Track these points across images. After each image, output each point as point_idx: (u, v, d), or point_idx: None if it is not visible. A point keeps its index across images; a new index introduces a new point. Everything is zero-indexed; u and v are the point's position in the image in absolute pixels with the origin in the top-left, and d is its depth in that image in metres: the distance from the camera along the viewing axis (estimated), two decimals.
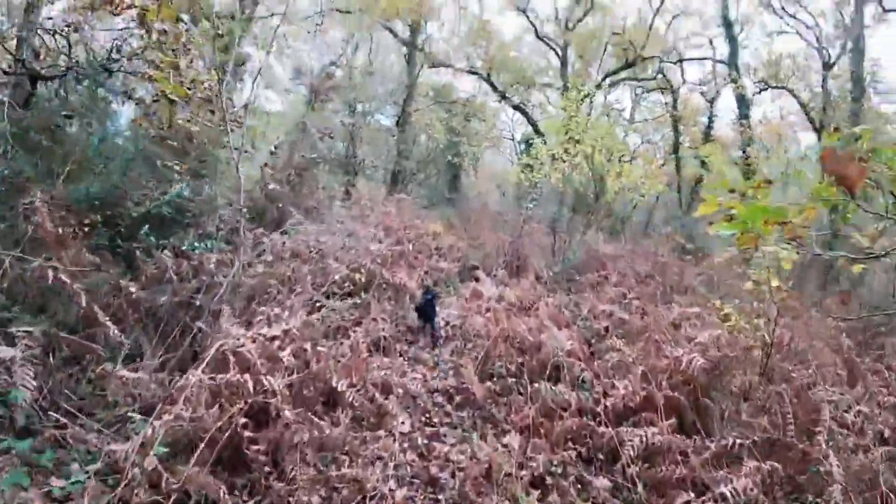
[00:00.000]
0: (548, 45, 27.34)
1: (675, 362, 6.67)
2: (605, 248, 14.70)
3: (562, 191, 15.01)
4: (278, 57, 22.67)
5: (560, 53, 27.20)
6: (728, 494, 4.71)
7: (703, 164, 26.56)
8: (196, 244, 7.17)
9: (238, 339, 4.67)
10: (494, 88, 25.50)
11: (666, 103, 29.04)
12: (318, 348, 5.45)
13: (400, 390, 6.47)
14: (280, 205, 10.15)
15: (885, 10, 21.32)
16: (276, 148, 9.50)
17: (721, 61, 24.62)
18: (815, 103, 23.70)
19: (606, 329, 9.63)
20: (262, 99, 20.68)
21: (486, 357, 7.57)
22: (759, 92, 25.07)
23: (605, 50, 25.99)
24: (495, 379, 7.14)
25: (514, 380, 6.98)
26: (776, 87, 24.53)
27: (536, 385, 6.59)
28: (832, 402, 6.34)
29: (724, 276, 14.43)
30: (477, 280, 11.86)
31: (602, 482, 5.35)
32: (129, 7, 6.51)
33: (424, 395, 6.64)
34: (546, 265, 13.89)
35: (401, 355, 7.85)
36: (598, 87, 22.50)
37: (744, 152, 21.97)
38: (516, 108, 26.86)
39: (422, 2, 21.45)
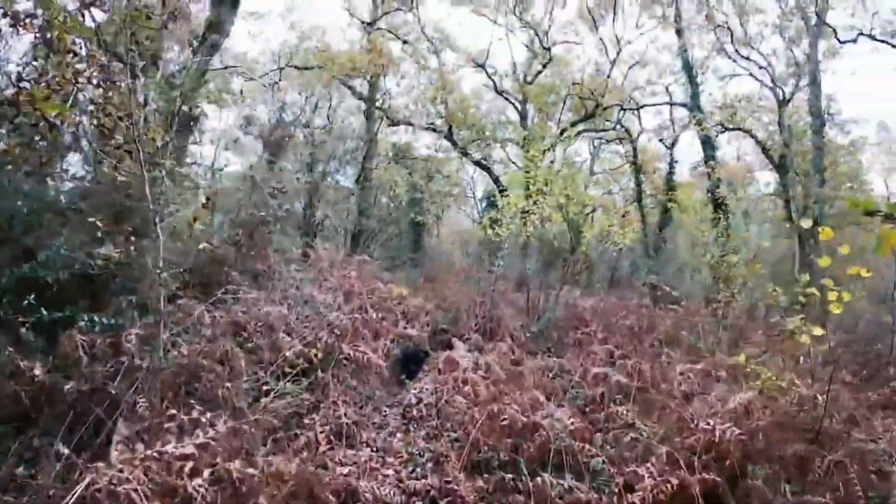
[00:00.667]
0: (507, 99, 26.87)
1: (705, 436, 5.44)
2: (583, 302, 13.55)
3: (530, 246, 13.91)
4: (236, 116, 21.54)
5: (519, 108, 26.79)
6: None
7: (665, 210, 26.12)
8: (96, 319, 5.79)
9: (121, 471, 3.24)
10: (455, 145, 24.63)
11: (626, 153, 28.77)
12: (249, 469, 3.97)
13: (368, 496, 5.06)
14: (227, 269, 8.80)
15: (841, 42, 21.18)
16: (207, 199, 8.15)
17: (683, 105, 24.22)
18: (772, 142, 23.92)
19: (602, 396, 8.39)
20: (222, 159, 19.41)
21: (472, 444, 6.22)
22: (717, 135, 24.84)
23: (564, 103, 25.47)
24: (485, 473, 5.77)
25: (509, 474, 5.62)
26: (734, 129, 24.55)
27: (539, 479, 5.28)
28: None
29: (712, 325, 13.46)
30: (450, 347, 10.57)
31: None
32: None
33: (399, 501, 5.23)
34: (522, 325, 12.68)
35: (368, 445, 6.48)
36: (561, 138, 21.72)
37: (712, 193, 21.29)
38: (477, 164, 26.08)
39: (380, 57, 20.55)
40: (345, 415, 6.55)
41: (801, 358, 8.57)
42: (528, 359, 10.59)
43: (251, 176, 10.63)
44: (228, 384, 5.52)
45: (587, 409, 8.27)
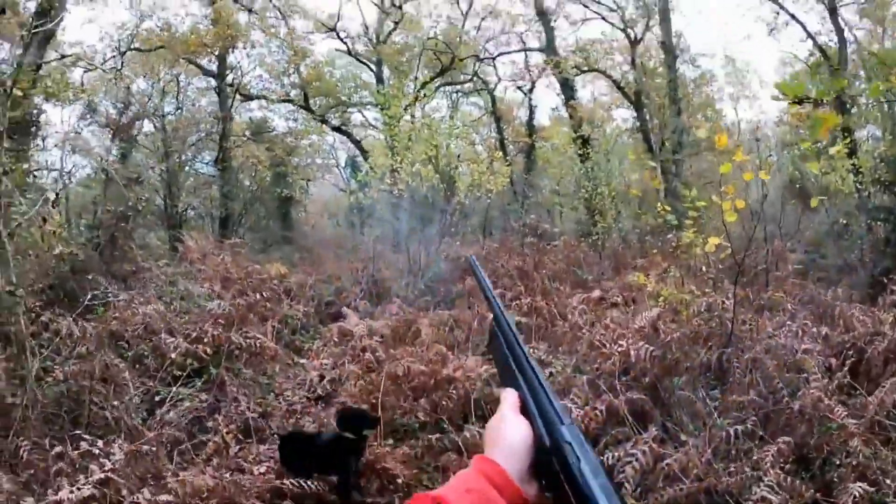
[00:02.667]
0: (361, 62, 26.21)
1: (620, 358, 5.53)
2: (464, 252, 13.54)
3: (402, 204, 13.74)
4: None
5: (374, 70, 26.19)
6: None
7: (528, 155, 26.71)
8: None
9: None
10: (312, 113, 23.84)
11: (485, 104, 29.03)
12: (162, 497, 3.58)
13: (296, 491, 4.78)
14: (89, 276, 8.06)
15: None
16: (56, 196, 7.40)
17: (540, 50, 24.64)
18: (625, 81, 24.61)
19: None
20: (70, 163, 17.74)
21: (383, 410, 6.05)
22: (573, 77, 25.35)
23: (419, 60, 25.10)
24: (408, 439, 5.63)
25: (433, 434, 5.50)
26: (589, 71, 25.00)
27: (466, 432, 5.21)
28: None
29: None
30: (339, 318, 10.30)
31: None
32: None
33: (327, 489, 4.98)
34: (407, 284, 12.52)
35: (279, 435, 6.17)
36: (421, 93, 21.52)
37: (576, 132, 21.84)
38: (337, 130, 25.53)
39: (227, 29, 19.33)
40: (248, 409, 6.20)
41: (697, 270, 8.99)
42: (421, 316, 10.50)
43: (103, 170, 9.74)
44: (116, 403, 5.02)
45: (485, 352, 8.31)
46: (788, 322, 6.58)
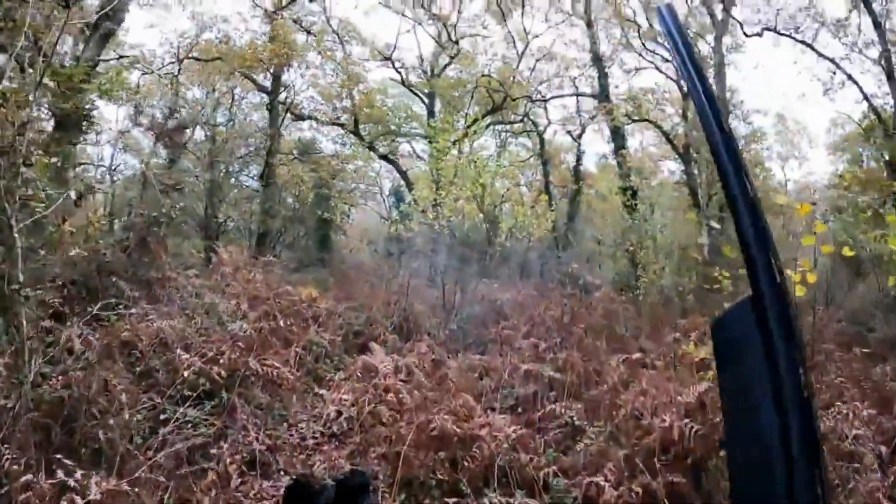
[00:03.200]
0: (414, 93, 26.09)
1: (662, 434, 4.96)
2: (500, 295, 13.01)
3: (442, 239, 13.30)
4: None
5: (426, 102, 26.03)
6: None
7: (573, 201, 26.19)
8: None
9: None
10: (361, 139, 23.68)
11: (534, 145, 28.68)
12: None
13: None
14: (113, 278, 7.74)
15: (747, 35, 21.70)
16: (79, 197, 7.11)
17: (592, 96, 24.19)
18: (675, 132, 24.31)
19: (535, 395, 7.88)
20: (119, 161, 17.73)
21: (403, 462, 5.53)
22: (612, 132, 25.10)
23: (472, 96, 24.92)
24: (422, 497, 5.10)
25: (450, 498, 4.97)
26: (640, 120, 24.47)
27: (486, 500, 4.68)
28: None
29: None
30: (365, 350, 9.83)
31: None
32: None
33: None
34: (440, 323, 12.04)
35: (286, 472, 5.69)
36: (470, 129, 21.23)
37: (624, 181, 21.33)
38: (384, 158, 25.30)
39: (283, 47, 19.33)
40: (257, 439, 5.74)
41: None
42: (450, 358, 10.00)
43: (142, 173, 9.49)
44: (112, 421, 4.58)
45: (520, 410, 7.76)
46: (838, 403, 5.96)
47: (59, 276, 7.32)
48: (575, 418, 6.87)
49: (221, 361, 6.10)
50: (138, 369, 5.93)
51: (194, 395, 5.80)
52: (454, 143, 18.78)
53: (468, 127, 21.89)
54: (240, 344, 6.54)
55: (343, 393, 8.05)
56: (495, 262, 13.20)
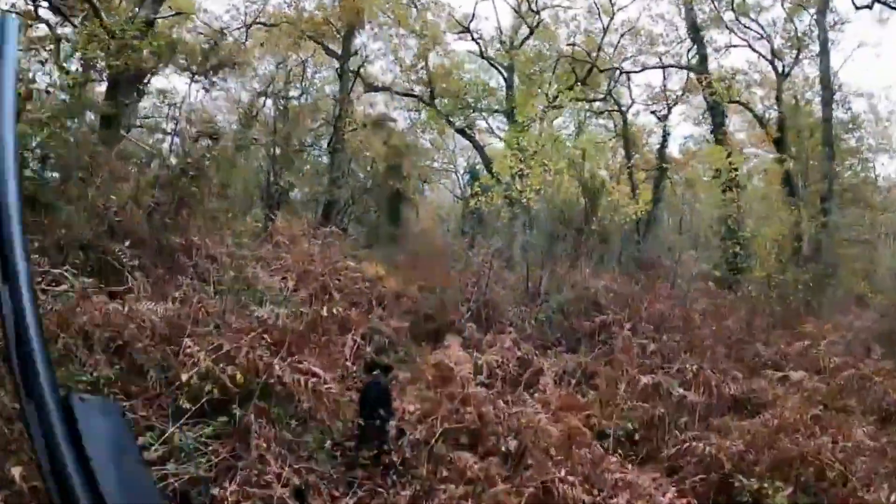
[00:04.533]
0: (493, 65, 23.77)
1: None
2: (594, 282, 10.65)
3: (528, 215, 11.05)
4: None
5: (505, 75, 23.65)
6: None
7: (656, 186, 23.44)
8: None
9: None
10: (437, 111, 21.59)
11: (616, 126, 25.97)
12: None
13: None
14: (126, 242, 5.86)
15: (857, 8, 18.53)
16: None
17: (689, 68, 21.34)
18: (768, 116, 21.83)
19: (661, 420, 5.70)
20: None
21: None
22: (711, 108, 22.14)
23: (554, 69, 22.41)
24: None
25: None
26: (732, 102, 21.35)
27: None
28: None
29: None
30: (437, 340, 7.79)
31: None
32: None
33: None
34: (523, 312, 9.83)
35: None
36: (554, 103, 18.78)
37: (721, 164, 18.49)
38: (461, 132, 23.14)
39: (353, 4, 17.32)
40: (278, 478, 3.73)
41: None
42: (539, 356, 7.86)
43: (173, 116, 7.63)
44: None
45: (637, 438, 5.60)
46: None
47: (63, 237, 5.54)
48: (726, 462, 4.66)
49: (238, 361, 4.10)
50: (119, 367, 4.00)
51: (194, 407, 3.83)
52: (538, 117, 16.51)
53: (553, 100, 19.42)
54: (266, 337, 4.50)
55: (408, 402, 6.01)
56: (593, 244, 10.83)
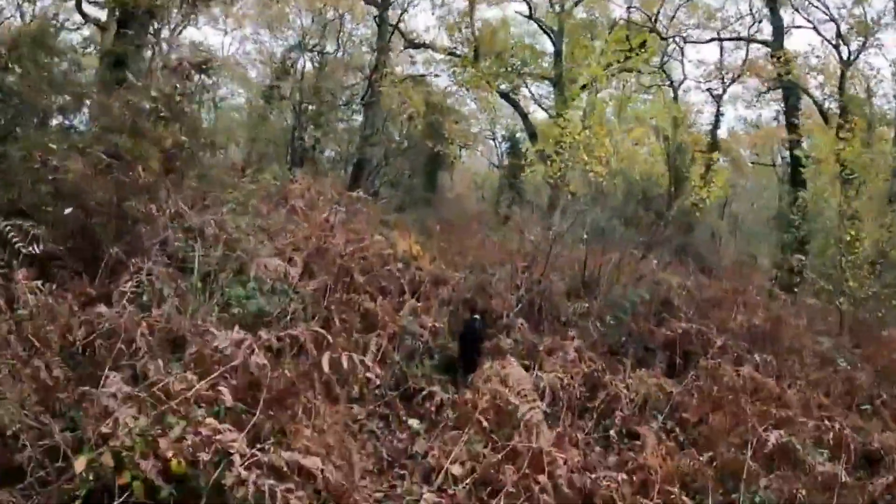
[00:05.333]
0: (541, 27, 21.64)
1: None
2: (669, 279, 8.64)
3: (596, 191, 9.03)
4: None
5: (554, 40, 21.35)
6: None
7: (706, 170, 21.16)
8: None
9: None
10: (480, 72, 19.49)
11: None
12: None
13: None
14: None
15: None
16: None
17: (764, 42, 18.90)
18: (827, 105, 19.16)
19: None
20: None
21: None
22: (767, 91, 21.34)
23: (609, 32, 20.09)
24: None
25: None
26: (790, 86, 18.79)
27: None
28: None
29: None
30: (491, 352, 5.90)
31: None
32: None
33: None
34: (579, 309, 7.79)
35: None
36: (607, 71, 16.51)
37: (793, 153, 16.29)
38: (504, 96, 21.13)
39: None
40: None
41: None
42: (608, 372, 5.94)
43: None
44: None
45: None
46: None
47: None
48: None
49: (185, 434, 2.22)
50: None
51: None
52: (584, 87, 14.54)
53: (606, 67, 17.18)
54: (234, 381, 2.49)
55: (448, 440, 4.18)
56: (670, 232, 8.79)
